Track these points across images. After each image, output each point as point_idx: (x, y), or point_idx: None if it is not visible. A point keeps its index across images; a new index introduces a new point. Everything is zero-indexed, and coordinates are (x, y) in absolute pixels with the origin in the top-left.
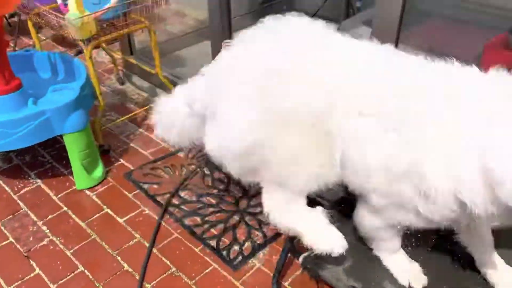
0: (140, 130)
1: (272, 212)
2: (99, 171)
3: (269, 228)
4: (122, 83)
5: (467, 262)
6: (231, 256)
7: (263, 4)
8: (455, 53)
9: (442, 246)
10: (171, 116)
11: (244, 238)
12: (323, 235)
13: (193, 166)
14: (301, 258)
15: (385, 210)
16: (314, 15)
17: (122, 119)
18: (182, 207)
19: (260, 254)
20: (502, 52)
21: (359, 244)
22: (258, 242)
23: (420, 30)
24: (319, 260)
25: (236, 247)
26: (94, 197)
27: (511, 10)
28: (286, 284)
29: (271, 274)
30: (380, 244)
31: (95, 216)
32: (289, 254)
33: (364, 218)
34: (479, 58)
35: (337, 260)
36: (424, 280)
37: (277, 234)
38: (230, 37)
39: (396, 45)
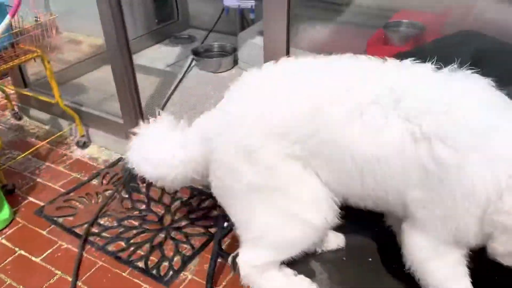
0: (46, 163)
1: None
2: (5, 213)
3: (196, 239)
4: (19, 118)
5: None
6: (162, 273)
7: (159, 24)
8: (344, 52)
9: None
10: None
11: (173, 253)
12: None
13: (109, 192)
14: (230, 259)
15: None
16: (211, 30)
17: (23, 155)
18: (104, 234)
19: (191, 265)
20: (381, 47)
21: None
22: (187, 254)
23: (310, 34)
24: None
25: (165, 263)
26: (4, 241)
27: (383, 8)
28: None
29: (204, 283)
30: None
31: (7, 261)
32: (219, 260)
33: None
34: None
35: None
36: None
37: (205, 244)
38: (130, 60)
39: (288, 49)
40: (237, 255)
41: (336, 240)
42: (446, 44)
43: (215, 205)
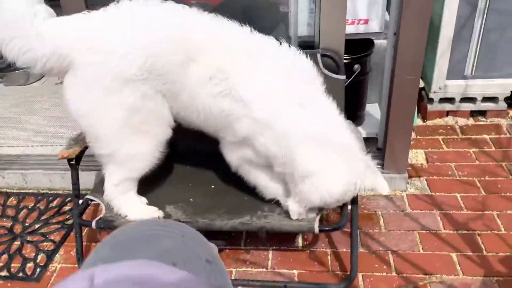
0: None
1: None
2: None
3: (55, 235)
4: None
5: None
6: (29, 273)
7: None
8: None
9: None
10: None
11: (35, 254)
12: (143, 213)
13: None
14: (93, 224)
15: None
16: None
17: None
18: None
19: (57, 256)
20: None
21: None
22: (50, 249)
23: None
24: (108, 218)
25: (30, 264)
26: None
27: None
28: None
29: (75, 266)
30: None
31: None
32: (85, 243)
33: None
34: None
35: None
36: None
37: (66, 236)
38: None
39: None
40: (99, 218)
41: None
42: (222, 10)
43: (65, 201)
